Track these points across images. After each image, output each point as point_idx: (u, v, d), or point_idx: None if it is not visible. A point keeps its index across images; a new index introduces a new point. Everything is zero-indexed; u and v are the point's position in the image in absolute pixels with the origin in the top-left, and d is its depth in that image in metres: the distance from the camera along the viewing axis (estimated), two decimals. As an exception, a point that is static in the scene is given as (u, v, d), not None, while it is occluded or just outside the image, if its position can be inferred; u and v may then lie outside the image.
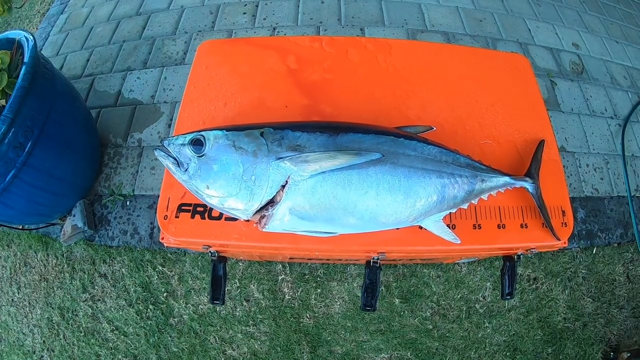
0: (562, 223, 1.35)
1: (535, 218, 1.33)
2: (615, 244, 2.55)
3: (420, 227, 1.23)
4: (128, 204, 2.53)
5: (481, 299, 2.36)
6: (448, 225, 1.27)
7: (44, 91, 2.01)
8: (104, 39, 3.21)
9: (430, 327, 2.31)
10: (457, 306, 2.34)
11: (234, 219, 1.20)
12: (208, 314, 2.36)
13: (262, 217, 1.07)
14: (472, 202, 1.27)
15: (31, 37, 1.97)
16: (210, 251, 1.31)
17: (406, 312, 2.32)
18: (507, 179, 1.28)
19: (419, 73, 1.56)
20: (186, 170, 1.06)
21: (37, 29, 3.55)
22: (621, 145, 2.74)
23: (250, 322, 2.33)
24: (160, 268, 2.41)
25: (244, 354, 2.29)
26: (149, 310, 2.35)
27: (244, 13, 3.14)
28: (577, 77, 2.93)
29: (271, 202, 1.05)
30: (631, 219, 2.56)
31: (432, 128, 1.30)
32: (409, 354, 2.28)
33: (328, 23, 3.02)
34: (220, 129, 1.09)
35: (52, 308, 2.44)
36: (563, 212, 1.36)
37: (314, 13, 3.09)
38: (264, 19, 3.10)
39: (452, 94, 1.52)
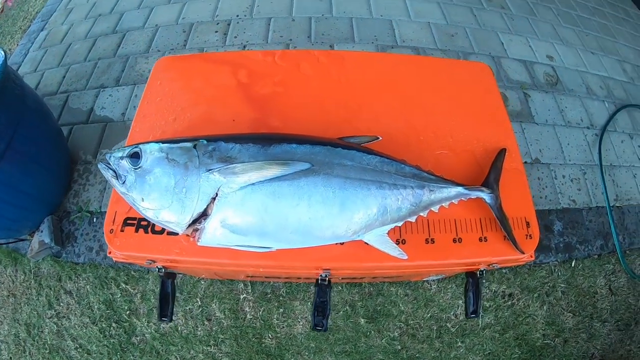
0: (527, 235, 1.22)
1: (496, 231, 1.19)
2: (596, 256, 2.30)
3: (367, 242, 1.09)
4: (95, 220, 2.34)
5: (453, 317, 2.09)
6: (397, 240, 1.14)
7: (13, 106, 1.91)
8: (81, 56, 3.07)
9: (399, 347, 2.05)
10: (427, 325, 2.07)
11: (176, 234, 1.11)
12: (170, 333, 2.16)
13: (195, 230, 0.99)
14: (421, 214, 1.13)
15: (1, 52, 1.84)
16: (157, 267, 1.22)
17: (373, 332, 2.06)
18: (460, 189, 1.15)
19: (372, 84, 1.45)
20: (124, 182, 1.00)
21: (17, 45, 3.41)
22: (598, 155, 2.49)
23: (212, 342, 2.12)
24: (124, 286, 2.24)
25: None
26: (112, 328, 2.17)
27: (216, 31, 2.98)
28: (551, 88, 2.70)
29: (204, 215, 0.97)
30: (611, 229, 2.30)
31: (378, 138, 1.19)
32: (376, 375, 2.03)
33: (298, 40, 2.86)
34: (157, 142, 1.03)
35: (19, 324, 2.27)
36: (527, 223, 1.23)
37: (284, 31, 2.92)
38: (235, 37, 2.95)
39: (408, 104, 1.40)
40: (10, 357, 2.27)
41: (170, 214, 0.96)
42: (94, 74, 2.92)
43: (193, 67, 1.49)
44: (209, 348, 2.11)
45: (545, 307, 2.15)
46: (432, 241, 1.16)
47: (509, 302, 2.13)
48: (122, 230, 1.14)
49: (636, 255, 2.35)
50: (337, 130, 1.26)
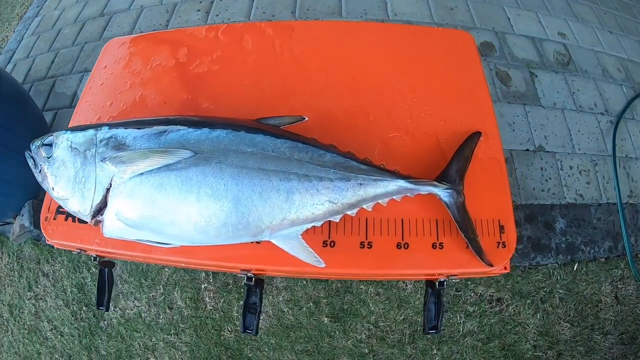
0: (499, 243, 0.94)
1: (457, 236, 0.93)
2: (602, 259, 1.90)
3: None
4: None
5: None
6: (325, 242, 0.92)
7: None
8: (69, 41, 2.86)
9: (366, 351, 1.74)
10: (398, 329, 1.75)
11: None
12: (134, 319, 1.99)
13: (98, 221, 0.88)
14: (348, 213, 0.89)
15: None
16: (91, 255, 1.08)
17: (338, 332, 1.76)
18: (401, 183, 0.90)
19: (319, 56, 1.19)
20: (40, 171, 0.92)
21: (14, 31, 3.26)
22: (612, 144, 2.06)
23: (172, 330, 1.92)
24: (94, 270, 2.09)
25: None
26: (82, 311, 2.08)
27: (198, 10, 2.69)
28: (562, 68, 2.25)
29: (105, 206, 0.86)
30: (621, 229, 1.90)
31: (304, 118, 0.96)
32: (341, 379, 1.74)
33: (281, 16, 2.51)
34: (67, 130, 0.93)
35: (3, 304, 2.25)
36: (502, 227, 0.95)
37: (267, 7, 2.59)
38: (217, 15, 2.65)
39: (360, 78, 1.14)
40: (-5, 336, 2.23)
41: (75, 204, 0.87)
42: (79, 58, 2.74)
43: (137, 49, 1.30)
44: (169, 337, 1.92)
45: (539, 315, 1.78)
46: (370, 245, 0.92)
47: (497, 308, 1.78)
48: (54, 219, 1.04)
49: (649, 260, 1.94)
50: (269, 110, 1.05)
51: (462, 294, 1.76)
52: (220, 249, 0.92)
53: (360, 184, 0.87)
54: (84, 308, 2.09)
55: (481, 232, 0.93)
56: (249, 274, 0.99)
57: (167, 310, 1.94)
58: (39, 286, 2.19)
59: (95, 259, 1.08)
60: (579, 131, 2.09)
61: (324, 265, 0.85)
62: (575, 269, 1.86)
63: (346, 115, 1.07)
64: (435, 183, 0.92)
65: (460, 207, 0.92)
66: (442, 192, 0.92)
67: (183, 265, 1.13)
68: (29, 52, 2.94)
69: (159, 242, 0.86)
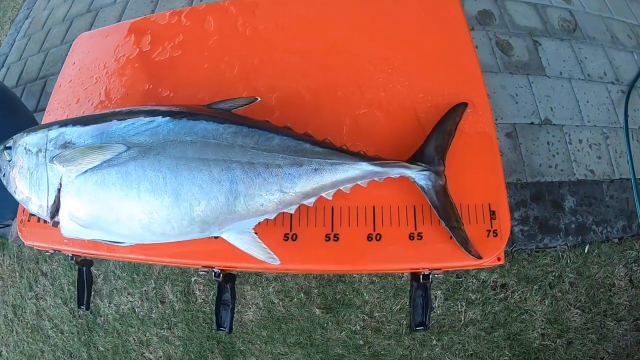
0: (490, 231, 0.78)
1: (438, 224, 0.77)
2: (616, 240, 1.70)
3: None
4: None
5: None
6: (286, 235, 0.79)
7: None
8: (58, 40, 2.75)
9: (361, 342, 1.59)
10: (395, 319, 1.59)
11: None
12: (128, 314, 1.90)
13: (56, 223, 0.80)
14: (305, 203, 0.76)
15: None
16: (69, 255, 1.00)
17: (330, 323, 1.61)
18: (364, 165, 0.75)
19: (284, 32, 1.03)
20: (4, 175, 0.85)
21: (6, 35, 3.15)
22: (624, 116, 1.82)
23: (165, 325, 1.82)
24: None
25: (160, 357, 1.84)
26: (80, 308, 1.88)
27: None
28: (567, 35, 2.00)
29: (60, 207, 0.78)
30: (636, 207, 1.69)
31: (256, 99, 0.84)
32: (334, 372, 1.59)
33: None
34: (24, 131, 0.84)
35: (7, 305, 2.24)
36: (493, 213, 0.79)
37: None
38: (201, 0, 2.50)
39: (328, 52, 0.97)
40: (1, 337, 2.24)
41: (34, 206, 0.80)
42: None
43: (103, 42, 1.18)
44: (162, 331, 1.82)
45: (547, 302, 1.60)
46: (336, 238, 0.78)
47: (501, 295, 1.60)
48: (28, 221, 0.97)
49: (667, 240, 1.73)
50: (229, 94, 0.92)
51: (463, 281, 1.59)
52: (180, 244, 0.80)
53: (315, 170, 0.73)
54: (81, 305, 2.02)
55: (468, 220, 0.77)
56: (215, 270, 0.87)
57: (160, 305, 1.83)
58: (39, 285, 2.14)
59: (72, 258, 1.01)
60: (588, 102, 1.86)
61: (278, 262, 0.73)
62: (586, 251, 1.66)
63: (312, 93, 0.91)
64: (407, 164, 0.76)
65: (439, 191, 0.77)
66: (416, 175, 0.76)
67: (143, 261, 0.99)
68: (21, 54, 2.84)
69: (113, 242, 0.78)
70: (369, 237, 0.77)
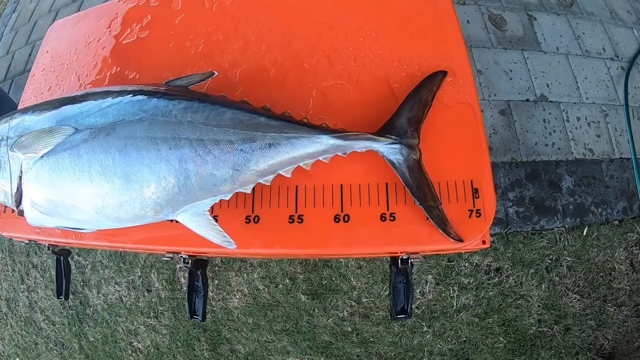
0: (472, 211, 0.69)
1: (413, 204, 0.68)
2: (616, 222, 1.59)
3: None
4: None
5: (419, 295, 1.48)
6: (248, 218, 0.72)
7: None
8: (44, 32, 2.61)
9: (349, 329, 1.50)
10: (383, 305, 1.49)
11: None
12: (116, 304, 1.83)
13: (21, 211, 0.76)
14: (261, 181, 0.69)
15: None
16: (47, 244, 0.96)
17: (317, 310, 1.52)
18: (324, 139, 0.67)
19: (251, 5, 0.95)
20: None
21: None
22: (624, 93, 1.70)
23: (152, 314, 1.75)
24: (77, 257, 1.95)
25: (148, 347, 1.77)
26: (69, 299, 1.91)
27: None
28: (564, 10, 1.87)
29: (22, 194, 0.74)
30: (637, 188, 1.59)
31: (213, 74, 0.78)
32: (322, 359, 1.51)
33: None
34: None
35: (1, 299, 2.17)
36: (475, 191, 0.70)
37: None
38: None
39: (295, 23, 0.89)
40: (-4, 331, 2.16)
41: (0, 196, 0.76)
42: (54, 47, 2.53)
43: (75, 28, 1.12)
44: (149, 320, 1.76)
45: (543, 287, 1.50)
46: (300, 219, 0.71)
47: (496, 279, 1.50)
48: (4, 212, 0.92)
49: (670, 221, 1.61)
50: (193, 72, 0.88)
51: (455, 265, 1.49)
52: (144, 230, 0.75)
53: (270, 145, 0.65)
54: (70, 296, 1.92)
55: (447, 198, 0.69)
56: (182, 256, 0.82)
57: (146, 294, 1.76)
58: (30, 278, 2.07)
59: (49, 248, 0.97)
60: (586, 78, 1.73)
61: (234, 246, 0.67)
62: (585, 234, 1.55)
63: (277, 66, 0.84)
64: (374, 136, 0.68)
65: (413, 167, 0.68)
66: (385, 148, 0.68)
67: (108, 248, 1.02)
68: (8, 48, 2.74)
69: (74, 228, 0.74)
70: (336, 219, 0.69)
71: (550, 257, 1.53)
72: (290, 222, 0.71)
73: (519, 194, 1.54)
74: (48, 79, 1.04)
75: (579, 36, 1.81)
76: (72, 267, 1.93)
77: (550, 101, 1.67)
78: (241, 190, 0.68)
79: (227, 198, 0.68)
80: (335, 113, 0.77)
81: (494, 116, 1.60)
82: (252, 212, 0.72)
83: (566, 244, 1.54)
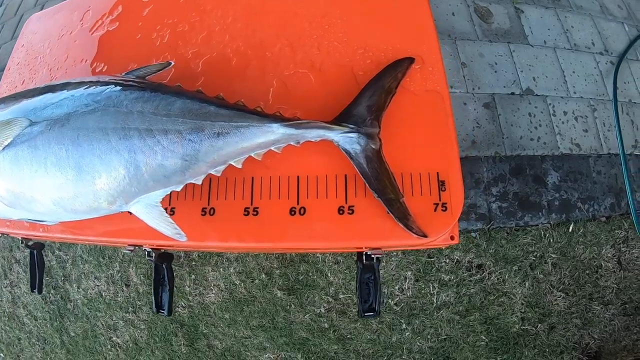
0: (437, 205, 0.66)
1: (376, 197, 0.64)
2: (603, 218, 1.56)
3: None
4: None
5: (397, 292, 1.45)
6: (204, 210, 0.70)
7: None
8: None
9: (326, 325, 1.47)
10: (362, 302, 1.47)
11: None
12: (95, 298, 1.81)
13: None
14: (212, 172, 0.66)
15: None
16: (20, 237, 0.95)
17: (294, 305, 1.49)
18: (275, 127, 0.64)
19: None
20: None
21: None
22: (613, 87, 1.67)
23: (130, 308, 1.74)
24: (58, 252, 1.96)
25: (127, 342, 1.76)
26: (51, 294, 1.95)
27: None
28: (553, 4, 1.81)
29: None
30: (625, 184, 1.56)
31: (170, 63, 0.76)
32: (299, 356, 1.48)
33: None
34: None
35: None
36: (442, 183, 0.66)
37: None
38: None
39: (259, 10, 0.86)
40: (-21, 326, 2.15)
41: None
42: (39, 40, 2.50)
43: (50, 21, 1.10)
44: (128, 315, 1.74)
45: (527, 284, 1.46)
46: (255, 212, 0.68)
47: (477, 276, 1.46)
48: None
49: (657, 218, 1.58)
50: (158, 62, 0.82)
51: (436, 261, 1.45)
52: (106, 222, 0.73)
53: (218, 134, 0.63)
54: (52, 291, 1.95)
55: (411, 191, 0.66)
56: (146, 250, 0.80)
57: (125, 288, 1.73)
58: (13, 273, 2.07)
59: (22, 241, 0.97)
60: (574, 72, 1.69)
61: (185, 239, 0.65)
62: (570, 230, 1.51)
63: (239, 55, 0.81)
64: (327, 125, 0.64)
65: (372, 157, 0.65)
66: (340, 137, 0.65)
67: (72, 241, 1.04)
68: None
69: (37, 220, 0.73)
70: (292, 211, 0.67)
71: (535, 253, 1.50)
72: (245, 215, 0.68)
73: (503, 189, 1.51)
74: (22, 73, 1.03)
75: (567, 30, 1.77)
76: (53, 262, 1.93)
77: (537, 95, 1.63)
78: (192, 181, 0.66)
79: (179, 189, 0.66)
80: (296, 102, 0.74)
81: (478, 109, 1.56)
82: (208, 204, 0.70)
83: (551, 240, 1.51)
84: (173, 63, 0.77)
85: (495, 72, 1.63)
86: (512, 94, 1.62)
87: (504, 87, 1.62)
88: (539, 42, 1.72)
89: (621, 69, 1.72)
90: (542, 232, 1.52)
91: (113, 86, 0.67)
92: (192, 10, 0.90)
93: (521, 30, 1.74)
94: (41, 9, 2.55)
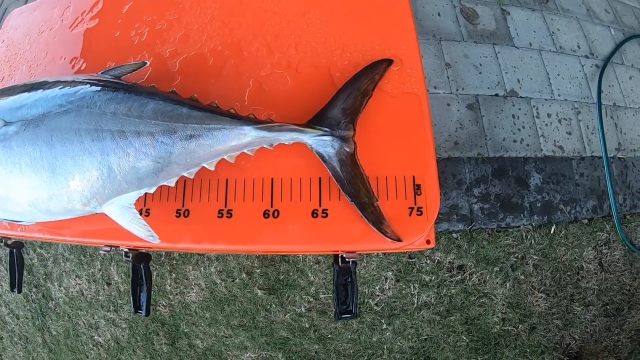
0: (412, 209, 0.66)
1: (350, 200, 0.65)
2: (585, 220, 1.57)
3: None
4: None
5: (378, 292, 1.46)
6: (178, 212, 0.69)
7: None
8: None
9: (307, 325, 1.48)
10: (342, 302, 1.48)
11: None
12: (77, 297, 1.79)
13: None
14: (185, 174, 0.66)
15: None
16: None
17: (274, 305, 1.49)
18: (247, 130, 0.64)
19: None
20: None
21: None
22: (598, 91, 1.69)
23: (112, 307, 1.73)
24: (39, 250, 1.93)
25: (108, 341, 1.75)
26: (32, 293, 1.93)
27: None
28: (539, 6, 1.83)
29: None
30: (607, 187, 1.58)
31: (145, 63, 0.75)
32: (280, 355, 1.48)
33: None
34: None
35: None
36: (417, 187, 0.67)
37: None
38: None
39: (237, 10, 0.85)
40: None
41: None
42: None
43: (31, 16, 1.08)
44: (109, 314, 1.73)
45: (508, 285, 1.48)
46: (229, 214, 0.68)
47: (458, 277, 1.48)
48: None
49: (638, 221, 1.59)
50: (136, 61, 0.82)
51: (417, 261, 1.46)
52: (83, 223, 0.73)
53: (190, 136, 0.63)
54: (33, 289, 1.93)
55: (385, 195, 0.66)
56: (123, 250, 0.80)
57: (106, 287, 1.72)
58: (-6, 271, 2.02)
59: (1, 240, 0.96)
60: (558, 75, 1.71)
61: (158, 241, 0.65)
62: (552, 232, 1.53)
63: (216, 55, 0.80)
64: (300, 128, 0.64)
65: (346, 161, 0.65)
66: (313, 140, 0.65)
67: (50, 240, 0.98)
68: None
69: (13, 220, 0.73)
70: (265, 214, 0.67)
71: (516, 255, 1.51)
72: (219, 217, 0.68)
73: (485, 190, 1.52)
74: (1, 69, 1.01)
75: (553, 32, 1.79)
76: (35, 260, 1.91)
77: (521, 97, 1.65)
78: (165, 183, 0.66)
79: (152, 191, 0.66)
80: (271, 103, 0.74)
81: (461, 110, 1.57)
82: (183, 206, 0.70)
83: (533, 242, 1.52)
84: (148, 63, 0.76)
85: (480, 73, 1.64)
86: (496, 95, 1.63)
87: (488, 88, 1.63)
88: (525, 44, 1.73)
89: (606, 72, 1.74)
90: (524, 234, 1.53)
91: (87, 86, 0.66)
92: (170, 8, 0.89)
93: (507, 32, 1.75)
94: (25, 3, 2.54)
